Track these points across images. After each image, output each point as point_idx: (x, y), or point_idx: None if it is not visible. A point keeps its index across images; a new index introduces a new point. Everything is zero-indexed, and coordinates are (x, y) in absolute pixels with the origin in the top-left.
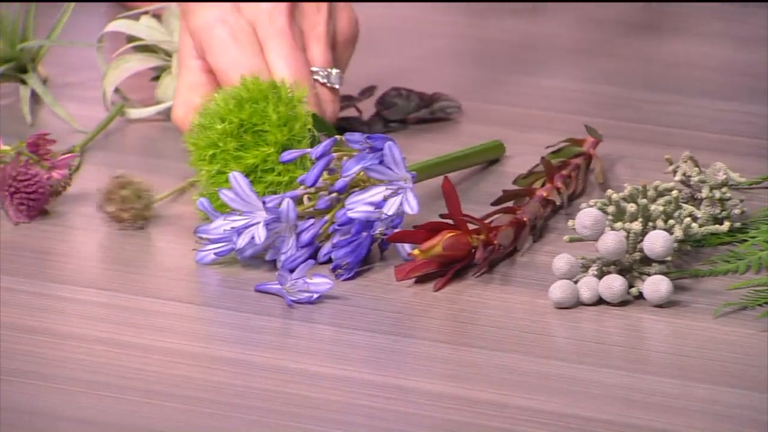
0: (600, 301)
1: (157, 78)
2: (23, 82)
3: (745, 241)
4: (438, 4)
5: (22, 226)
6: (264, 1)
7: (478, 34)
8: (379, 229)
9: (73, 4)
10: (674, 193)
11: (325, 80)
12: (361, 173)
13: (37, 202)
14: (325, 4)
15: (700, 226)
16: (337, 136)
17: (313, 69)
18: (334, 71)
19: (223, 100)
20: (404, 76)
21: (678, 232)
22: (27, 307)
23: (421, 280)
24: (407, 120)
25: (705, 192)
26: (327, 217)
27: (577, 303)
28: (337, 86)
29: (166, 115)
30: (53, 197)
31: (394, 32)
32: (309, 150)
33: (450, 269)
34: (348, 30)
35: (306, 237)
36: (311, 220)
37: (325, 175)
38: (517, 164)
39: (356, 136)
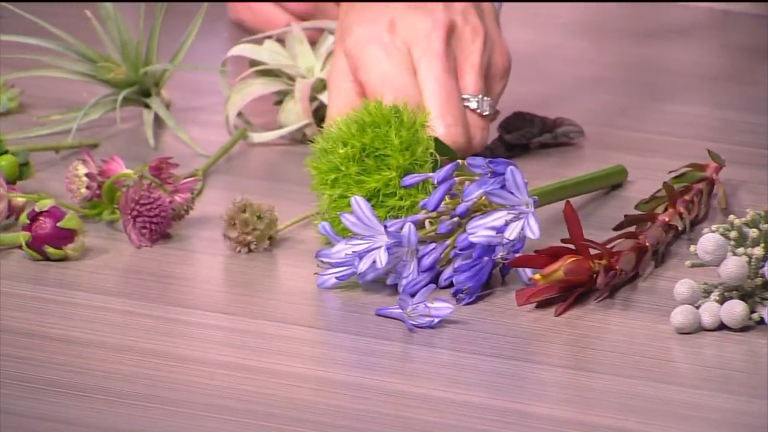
0: (721, 327)
1: (279, 102)
2: (147, 106)
3: None
4: (559, 30)
5: (145, 250)
6: (421, 23)
7: (598, 59)
8: (500, 253)
9: (196, 28)
10: None
11: (476, 107)
12: (483, 198)
13: (160, 226)
14: (481, 33)
15: None
16: (459, 161)
17: (465, 96)
18: (486, 99)
19: (346, 125)
20: (527, 100)
21: None
22: (149, 330)
23: (542, 304)
24: (530, 145)
25: None
26: (448, 241)
27: (699, 328)
28: (486, 113)
29: (289, 139)
30: (175, 221)
31: (516, 57)
32: (431, 174)
33: (571, 294)
34: (502, 63)
35: (427, 261)
36: (432, 245)
37: (447, 199)
38: (639, 189)
39: (478, 160)
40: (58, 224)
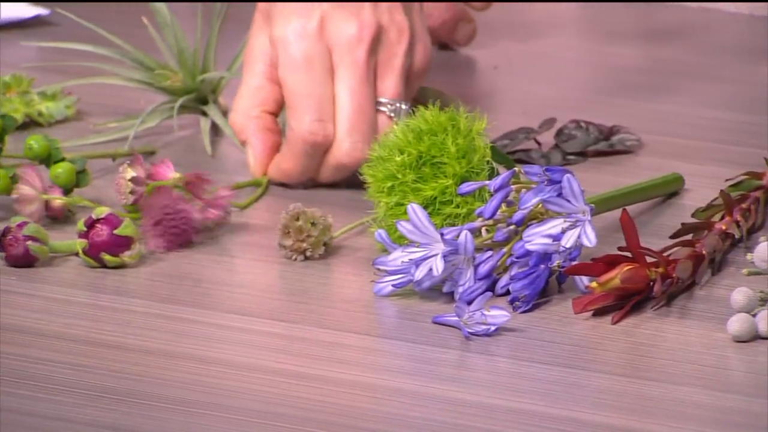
0: None
1: None
2: (204, 113)
3: None
4: (616, 37)
5: (203, 258)
6: (348, 26)
7: (651, 66)
8: (556, 261)
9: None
10: None
11: (392, 114)
12: (539, 205)
13: (177, 237)
14: (406, 34)
15: None
16: (516, 168)
17: (382, 100)
18: (404, 105)
19: (402, 132)
20: (583, 108)
21: None
22: (206, 338)
23: (598, 312)
24: (586, 152)
25: None
26: (505, 249)
27: (756, 336)
28: (399, 120)
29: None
30: (206, 233)
31: (572, 64)
32: (487, 182)
33: (628, 302)
34: (423, 63)
35: (484, 269)
36: (489, 252)
37: (504, 207)
38: (695, 197)
39: (535, 168)
40: (115, 231)
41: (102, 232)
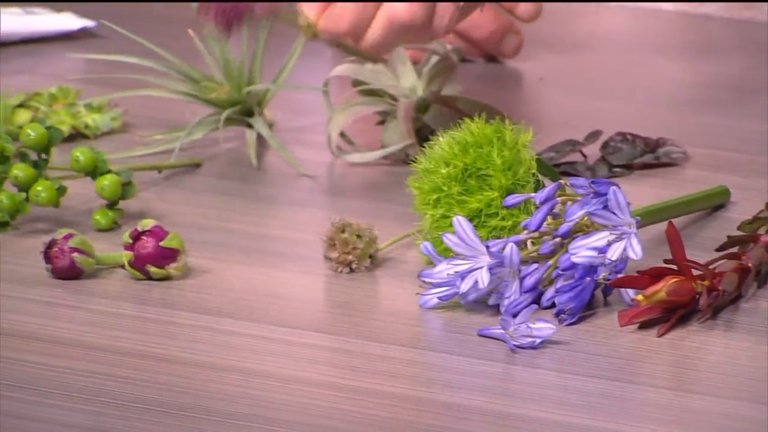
0: None
1: (382, 122)
2: (249, 125)
3: None
4: (662, 49)
5: (249, 270)
6: None
7: (696, 79)
8: (602, 274)
9: (300, 48)
10: None
11: None
12: (585, 218)
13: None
14: None
15: None
16: (561, 181)
17: None
18: None
19: (448, 145)
20: (629, 120)
21: None
22: (252, 350)
23: (644, 325)
24: (632, 165)
25: None
26: (550, 261)
27: None
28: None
29: (391, 159)
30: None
31: (618, 76)
32: (533, 195)
33: (673, 315)
34: None
35: (529, 282)
36: (534, 265)
37: (549, 219)
38: (741, 210)
39: (580, 180)
40: (161, 243)
41: (148, 244)
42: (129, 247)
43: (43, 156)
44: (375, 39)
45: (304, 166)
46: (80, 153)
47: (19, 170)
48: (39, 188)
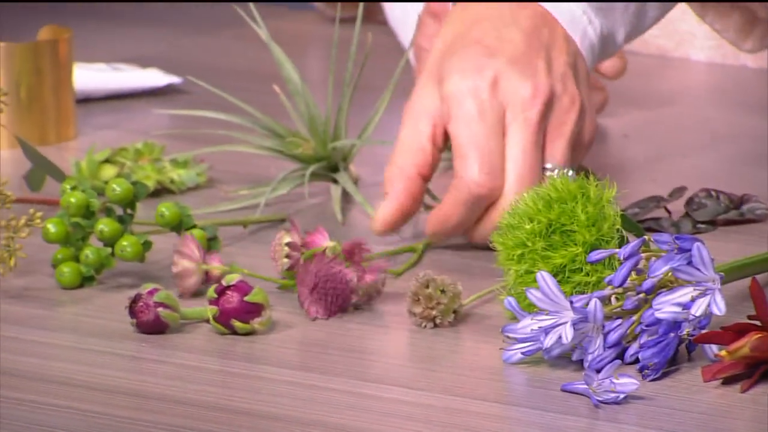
0: None
1: None
2: (335, 181)
3: None
4: (746, 105)
5: (331, 324)
6: (523, 87)
7: None
8: (686, 329)
9: (385, 103)
10: None
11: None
12: (669, 274)
13: (337, 300)
14: (578, 102)
15: None
16: (645, 237)
17: (548, 166)
18: (570, 172)
19: (532, 200)
20: (713, 176)
21: None
22: (336, 405)
23: (727, 381)
24: (716, 221)
25: None
26: (634, 317)
27: None
28: None
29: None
30: (364, 300)
31: (702, 132)
32: (617, 250)
33: (757, 370)
34: (590, 134)
35: (613, 337)
36: (618, 320)
37: (633, 275)
38: None
39: (664, 236)
40: (245, 298)
41: (232, 299)
42: (214, 301)
43: (129, 211)
44: (483, 238)
45: None
46: (165, 208)
47: (105, 225)
48: (124, 243)
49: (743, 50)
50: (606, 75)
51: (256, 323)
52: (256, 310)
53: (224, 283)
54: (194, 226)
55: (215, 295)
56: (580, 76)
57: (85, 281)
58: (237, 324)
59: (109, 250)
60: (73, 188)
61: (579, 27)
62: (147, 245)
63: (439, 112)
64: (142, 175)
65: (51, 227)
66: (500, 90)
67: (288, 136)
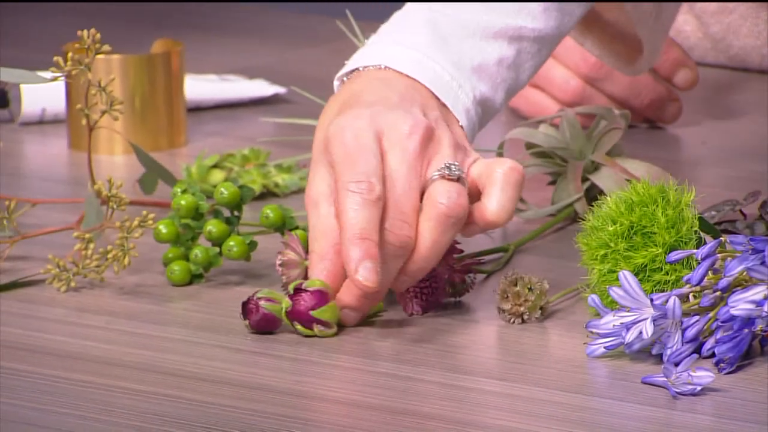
0: None
1: (553, 182)
2: None
3: None
4: None
5: (429, 320)
6: (402, 122)
7: None
8: (759, 325)
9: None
10: None
11: (447, 172)
12: (743, 273)
13: (432, 297)
14: (461, 148)
15: None
16: (721, 238)
17: (452, 163)
18: (455, 165)
19: (615, 204)
20: None
21: None
22: (427, 395)
23: None
24: None
25: None
26: (710, 314)
27: None
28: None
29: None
30: (455, 296)
31: None
32: (695, 251)
33: None
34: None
35: (691, 333)
36: (696, 317)
37: (710, 274)
38: None
39: (739, 238)
40: (312, 313)
41: (304, 302)
42: (291, 296)
43: (235, 213)
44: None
45: None
46: (270, 210)
47: (213, 226)
48: (231, 243)
49: (626, 73)
50: (679, 87)
51: (317, 330)
52: (321, 322)
53: (305, 285)
54: (297, 228)
55: (292, 291)
56: (452, 135)
57: (194, 279)
58: (298, 327)
59: (217, 249)
60: (184, 191)
61: (450, 93)
62: (252, 245)
63: (334, 187)
64: (249, 180)
65: (162, 228)
66: (377, 124)
67: None
